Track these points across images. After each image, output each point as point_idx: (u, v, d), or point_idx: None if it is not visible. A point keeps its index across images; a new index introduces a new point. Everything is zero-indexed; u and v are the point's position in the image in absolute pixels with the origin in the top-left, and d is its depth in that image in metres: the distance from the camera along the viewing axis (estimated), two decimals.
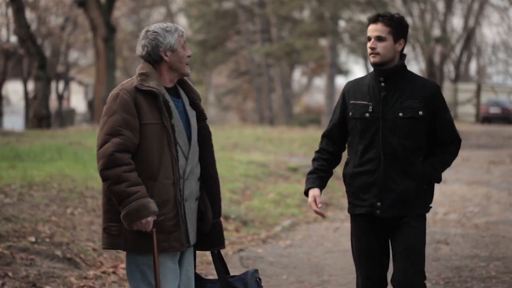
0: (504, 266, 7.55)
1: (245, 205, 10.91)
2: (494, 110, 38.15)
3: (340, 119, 4.47)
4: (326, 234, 9.40)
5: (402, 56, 4.42)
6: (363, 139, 4.36)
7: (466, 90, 43.72)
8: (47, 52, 32.98)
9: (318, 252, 8.38)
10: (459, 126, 35.34)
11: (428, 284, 6.81)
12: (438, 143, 4.43)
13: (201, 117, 4.10)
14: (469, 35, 45.10)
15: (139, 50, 3.98)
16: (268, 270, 7.52)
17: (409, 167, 4.33)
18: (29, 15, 30.57)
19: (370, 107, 4.34)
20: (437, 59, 44.18)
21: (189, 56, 4.01)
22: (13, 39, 30.19)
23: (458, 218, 10.76)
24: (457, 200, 12.31)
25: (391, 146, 4.31)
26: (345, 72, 47.47)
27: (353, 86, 4.49)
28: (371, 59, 4.35)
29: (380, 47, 4.30)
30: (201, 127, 4.07)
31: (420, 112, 4.30)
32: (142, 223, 3.80)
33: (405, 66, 4.42)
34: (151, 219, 3.81)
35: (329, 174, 4.53)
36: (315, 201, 4.37)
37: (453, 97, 44.13)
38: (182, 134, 3.96)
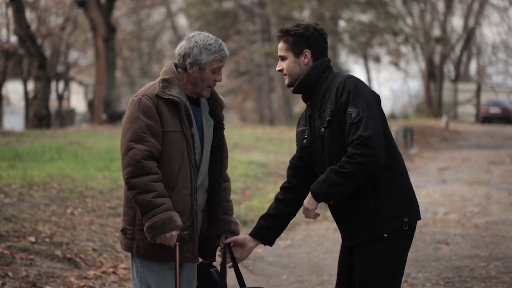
0: (504, 266, 7.54)
1: (245, 205, 10.91)
2: (494, 110, 38.15)
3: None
4: (326, 234, 9.40)
5: (317, 64, 3.86)
6: (313, 167, 3.93)
7: (466, 90, 43.73)
8: (47, 52, 33.00)
9: (318, 252, 8.38)
10: (459, 126, 35.47)
11: (428, 284, 6.84)
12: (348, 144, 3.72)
13: (219, 126, 3.97)
14: (469, 35, 45.10)
15: (177, 48, 3.89)
16: (268, 270, 7.52)
17: None
18: (29, 15, 30.60)
19: (307, 131, 3.90)
20: (437, 59, 44.20)
21: (216, 81, 3.88)
22: (13, 39, 30.22)
23: (458, 218, 10.76)
24: (457, 200, 12.31)
25: (325, 167, 3.78)
26: (345, 73, 47.23)
27: (304, 111, 4.00)
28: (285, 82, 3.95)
29: (285, 66, 3.87)
30: (215, 137, 3.95)
31: (328, 118, 3.76)
32: (166, 237, 3.70)
33: (323, 73, 3.86)
34: (175, 233, 3.71)
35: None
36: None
37: (453, 97, 44.14)
38: (197, 145, 3.87)
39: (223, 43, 3.89)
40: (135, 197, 3.71)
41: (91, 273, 6.39)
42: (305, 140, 3.91)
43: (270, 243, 4.03)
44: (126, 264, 6.90)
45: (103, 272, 6.50)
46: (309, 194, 3.78)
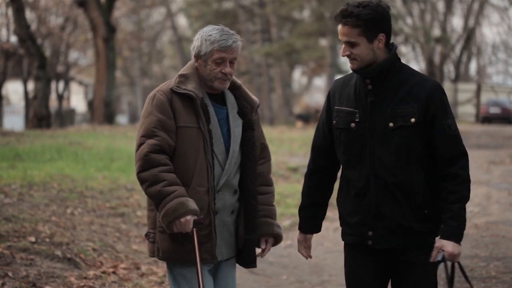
0: (504, 266, 7.54)
1: None
2: (494, 110, 38.15)
3: (326, 128, 3.72)
4: (326, 234, 9.39)
5: (391, 50, 3.58)
6: (349, 154, 3.62)
7: (466, 90, 43.75)
8: (47, 52, 33.00)
9: (318, 252, 8.38)
10: (459, 126, 35.15)
11: None
12: (438, 160, 3.53)
13: (248, 126, 3.83)
14: (469, 35, 45.12)
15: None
16: (268, 270, 7.51)
17: (405, 188, 3.53)
18: (29, 15, 30.61)
19: (357, 115, 3.58)
20: (437, 59, 44.22)
21: (224, 73, 3.71)
22: (13, 39, 30.22)
23: None
24: None
25: (382, 163, 3.53)
26: (345, 72, 47.50)
27: (340, 88, 3.69)
28: (350, 65, 3.59)
29: (355, 52, 3.52)
30: (245, 137, 3.82)
31: (412, 119, 3.48)
32: (181, 223, 3.56)
33: (396, 61, 3.58)
34: (190, 218, 3.56)
35: (325, 207, 3.84)
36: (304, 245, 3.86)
37: (453, 97, 44.16)
38: (220, 143, 3.73)
39: (233, 34, 3.75)
40: (146, 190, 3.62)
41: (91, 273, 6.39)
42: (353, 124, 3.58)
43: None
44: (126, 264, 6.89)
45: (103, 272, 6.50)
46: (449, 242, 3.48)
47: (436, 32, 42.62)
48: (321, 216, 3.85)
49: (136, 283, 6.34)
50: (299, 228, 3.86)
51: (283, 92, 40.49)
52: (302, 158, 16.55)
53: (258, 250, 3.91)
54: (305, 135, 23.03)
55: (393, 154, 3.51)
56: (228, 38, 3.71)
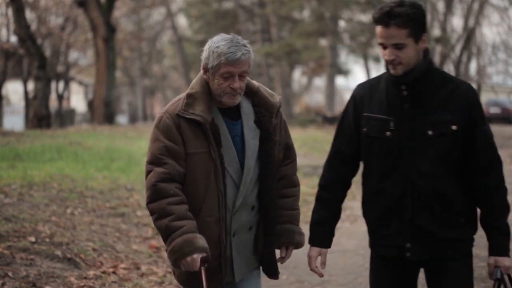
0: None
1: None
2: (494, 110, 38.20)
3: (353, 134, 3.52)
4: None
5: (426, 53, 3.37)
6: (382, 163, 3.43)
7: None
8: (47, 52, 33.02)
9: None
10: None
11: None
12: (474, 168, 3.42)
13: (265, 137, 3.56)
14: (469, 35, 45.11)
15: None
16: None
17: (442, 197, 3.39)
18: (29, 15, 30.62)
19: (391, 123, 3.37)
20: (437, 59, 44.22)
21: (233, 88, 3.42)
22: (13, 39, 30.23)
23: None
24: None
25: (420, 173, 3.35)
26: (345, 72, 47.66)
27: (368, 93, 3.48)
28: (392, 71, 3.34)
29: (402, 56, 3.29)
30: (262, 149, 3.55)
31: (454, 127, 3.32)
32: (187, 261, 3.36)
33: (432, 65, 3.39)
34: (197, 256, 3.35)
35: (337, 219, 3.71)
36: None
37: None
38: (234, 162, 3.48)
39: (243, 46, 3.44)
40: (155, 223, 3.42)
41: (91, 273, 6.39)
42: (388, 132, 3.38)
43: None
44: (126, 264, 6.89)
45: (103, 272, 6.50)
46: (503, 258, 3.57)
47: (436, 32, 42.64)
48: (335, 228, 3.72)
49: (136, 283, 6.34)
50: (315, 243, 3.67)
51: (283, 92, 40.46)
52: (302, 158, 16.56)
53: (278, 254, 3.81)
54: (305, 135, 23.04)
55: (432, 163, 3.35)
56: (237, 51, 3.39)
